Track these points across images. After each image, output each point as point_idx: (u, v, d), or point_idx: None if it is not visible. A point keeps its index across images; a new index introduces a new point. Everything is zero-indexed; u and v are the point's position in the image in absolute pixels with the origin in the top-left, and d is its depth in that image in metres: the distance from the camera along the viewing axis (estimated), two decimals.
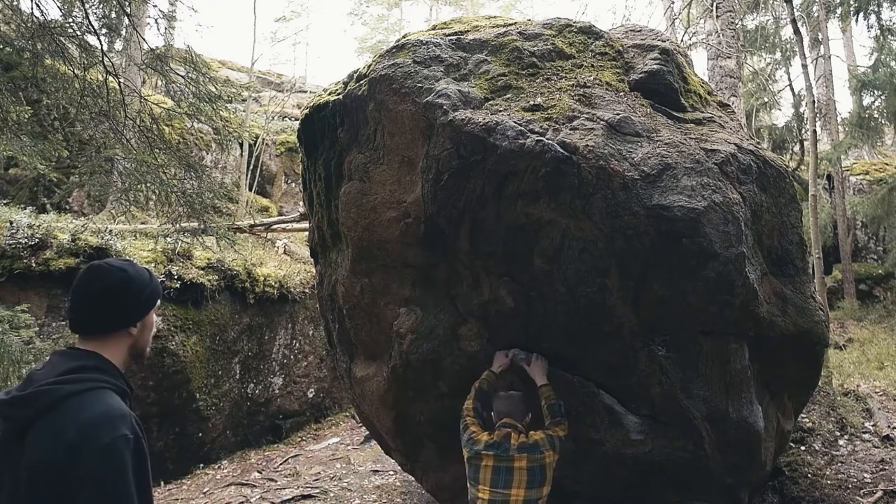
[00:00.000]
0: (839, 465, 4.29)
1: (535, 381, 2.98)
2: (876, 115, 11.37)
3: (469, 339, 3.24)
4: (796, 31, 8.43)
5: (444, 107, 2.94)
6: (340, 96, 3.53)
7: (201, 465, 6.62)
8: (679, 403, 3.00)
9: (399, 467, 4.82)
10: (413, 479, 4.61)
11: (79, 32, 3.83)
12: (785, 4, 9.58)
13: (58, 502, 1.22)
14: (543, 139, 2.78)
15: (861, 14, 10.77)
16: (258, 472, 6.31)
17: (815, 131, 8.54)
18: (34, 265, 5.72)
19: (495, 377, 3.05)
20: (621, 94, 3.22)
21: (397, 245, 3.31)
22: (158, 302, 1.59)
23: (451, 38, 3.38)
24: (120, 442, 1.25)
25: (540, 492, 2.64)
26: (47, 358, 1.44)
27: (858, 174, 13.02)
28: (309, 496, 5.15)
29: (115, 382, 1.40)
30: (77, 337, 1.48)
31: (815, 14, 12.81)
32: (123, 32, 4.87)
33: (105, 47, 4.03)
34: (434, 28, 3.81)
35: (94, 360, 1.40)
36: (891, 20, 11.09)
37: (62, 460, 1.22)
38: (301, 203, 11.03)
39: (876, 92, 11.21)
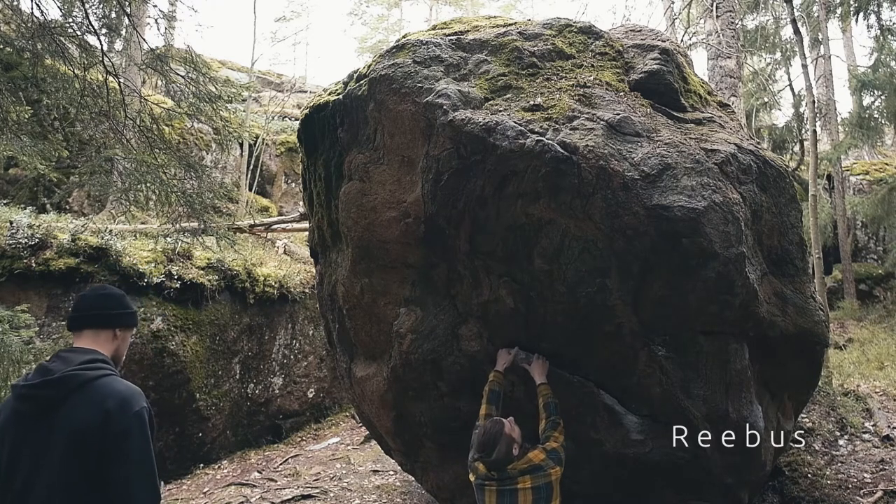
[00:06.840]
0: (839, 465, 4.29)
1: (534, 380, 2.98)
2: (876, 115, 11.36)
3: (469, 339, 3.24)
4: (796, 31, 8.42)
5: (444, 107, 2.94)
6: (340, 96, 3.53)
7: (201, 465, 6.62)
8: (679, 403, 3.00)
9: (399, 467, 4.82)
10: (413, 479, 4.61)
11: (79, 32, 3.83)
12: (785, 4, 9.58)
13: (95, 457, 1.57)
14: (543, 139, 2.78)
15: (861, 14, 10.75)
16: (258, 472, 6.31)
17: (815, 131, 8.53)
18: (34, 265, 5.72)
19: (502, 375, 3.05)
20: (621, 94, 3.22)
21: (397, 245, 3.31)
22: (135, 331, 2.01)
23: (451, 38, 3.39)
24: (144, 411, 1.67)
25: None
26: (48, 358, 1.74)
27: (858, 174, 13.02)
28: (309, 496, 5.15)
29: (119, 373, 1.77)
30: (73, 338, 1.84)
31: (815, 14, 12.80)
32: (123, 32, 4.86)
33: (105, 47, 4.02)
34: (434, 28, 3.81)
35: (101, 355, 1.76)
36: (891, 20, 11.09)
37: (100, 423, 1.59)
38: (301, 203, 11.03)
39: (876, 92, 11.20)
